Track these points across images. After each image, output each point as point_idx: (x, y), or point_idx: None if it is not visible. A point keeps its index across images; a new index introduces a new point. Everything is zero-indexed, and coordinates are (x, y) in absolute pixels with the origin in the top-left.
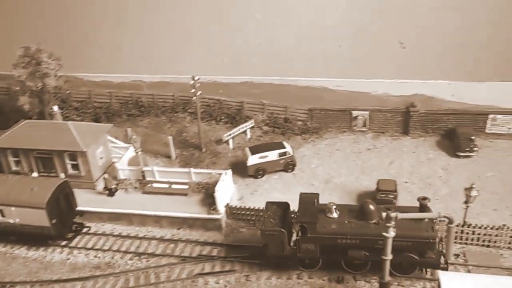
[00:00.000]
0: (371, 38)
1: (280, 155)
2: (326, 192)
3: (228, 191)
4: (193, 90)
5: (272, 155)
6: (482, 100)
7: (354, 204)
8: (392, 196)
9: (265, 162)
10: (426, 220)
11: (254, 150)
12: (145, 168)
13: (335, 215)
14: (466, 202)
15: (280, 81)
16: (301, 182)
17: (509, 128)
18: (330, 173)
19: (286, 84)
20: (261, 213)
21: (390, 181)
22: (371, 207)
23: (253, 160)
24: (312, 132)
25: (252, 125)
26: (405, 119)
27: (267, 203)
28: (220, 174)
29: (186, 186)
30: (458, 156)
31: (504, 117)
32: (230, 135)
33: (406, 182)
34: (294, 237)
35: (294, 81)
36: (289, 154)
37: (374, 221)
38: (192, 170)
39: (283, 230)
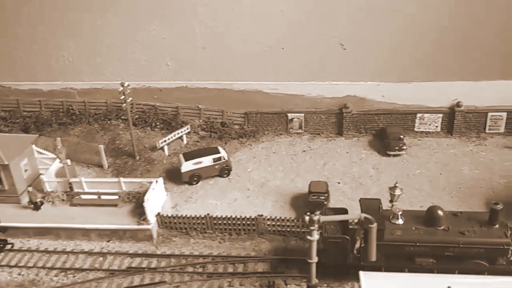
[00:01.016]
0: (303, 42)
1: (215, 160)
2: (261, 196)
3: (160, 199)
4: (122, 97)
5: (207, 161)
6: (410, 100)
7: (419, 210)
8: (323, 197)
9: (199, 168)
10: (497, 226)
11: (188, 157)
12: (72, 179)
13: (400, 221)
14: (391, 201)
15: (215, 85)
16: (236, 187)
17: (436, 126)
18: (266, 176)
19: (221, 88)
20: (194, 221)
21: (322, 183)
22: (440, 212)
23: (187, 166)
24: (249, 135)
25: (188, 130)
26: (339, 120)
27: (326, 209)
28: (151, 182)
29: (115, 197)
30: (388, 155)
31: (431, 115)
32: (165, 141)
33: (338, 183)
34: (357, 245)
35: (229, 85)
36: (224, 159)
37: (442, 227)
38: (122, 179)
39: (347, 237)
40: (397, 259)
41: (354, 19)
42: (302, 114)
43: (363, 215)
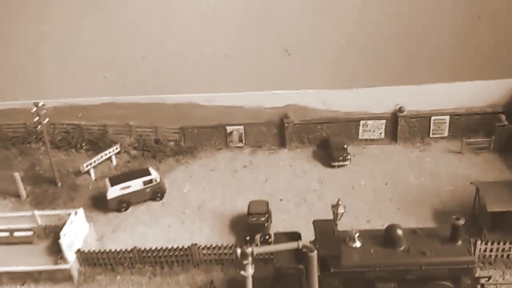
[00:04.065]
0: (242, 49)
1: (145, 183)
2: (198, 220)
3: (81, 232)
4: (37, 118)
5: (136, 185)
6: (353, 106)
7: (377, 229)
8: (263, 218)
9: (128, 193)
10: (460, 243)
11: (115, 181)
12: None
13: (358, 243)
14: (334, 219)
15: (145, 99)
16: (170, 211)
17: (380, 133)
18: (203, 197)
19: (153, 103)
20: (120, 255)
21: (262, 202)
22: (399, 232)
23: (113, 192)
24: (186, 152)
25: (118, 150)
26: (280, 131)
27: (275, 234)
28: (69, 214)
29: (30, 233)
30: (333, 166)
31: (374, 122)
32: (90, 164)
33: (281, 200)
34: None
35: (161, 99)
36: (156, 181)
37: (403, 247)
38: (37, 212)
39: (301, 267)
40: (356, 285)
41: (294, 25)
42: (242, 127)
43: (301, 243)
